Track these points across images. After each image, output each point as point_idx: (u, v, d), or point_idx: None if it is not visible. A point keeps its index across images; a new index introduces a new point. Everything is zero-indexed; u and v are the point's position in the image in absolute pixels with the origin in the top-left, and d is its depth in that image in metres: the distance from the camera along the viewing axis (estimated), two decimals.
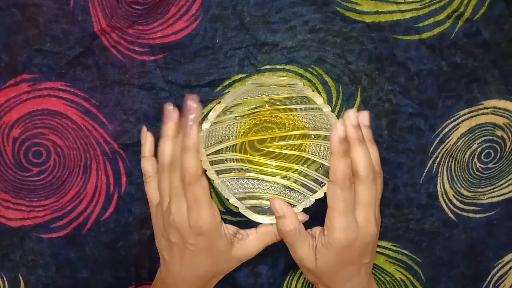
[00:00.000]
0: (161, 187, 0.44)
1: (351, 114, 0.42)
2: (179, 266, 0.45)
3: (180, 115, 0.43)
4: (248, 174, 0.48)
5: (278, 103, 0.47)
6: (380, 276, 0.54)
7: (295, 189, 0.48)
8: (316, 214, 0.47)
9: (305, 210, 0.46)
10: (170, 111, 0.44)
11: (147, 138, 0.46)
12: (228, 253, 0.46)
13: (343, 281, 0.46)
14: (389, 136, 0.49)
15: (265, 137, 0.48)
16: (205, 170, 0.47)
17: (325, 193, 0.47)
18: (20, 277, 0.51)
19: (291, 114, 0.47)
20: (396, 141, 0.49)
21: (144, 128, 0.47)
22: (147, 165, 0.46)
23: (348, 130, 0.41)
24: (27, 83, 0.46)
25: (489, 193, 0.52)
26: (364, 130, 0.44)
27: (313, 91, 0.46)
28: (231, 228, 0.46)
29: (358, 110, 0.45)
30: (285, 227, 0.44)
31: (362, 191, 0.43)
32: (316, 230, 0.46)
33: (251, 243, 0.46)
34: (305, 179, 0.48)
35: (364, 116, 0.45)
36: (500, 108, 0.49)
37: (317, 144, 0.48)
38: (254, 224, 0.48)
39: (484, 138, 0.50)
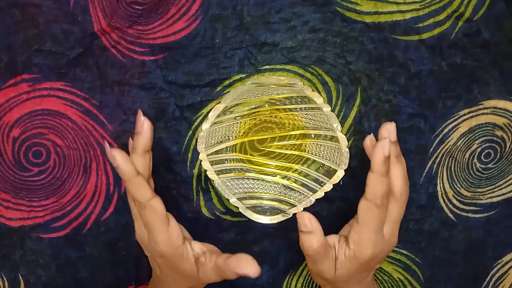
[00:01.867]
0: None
1: (390, 129, 0.41)
2: (160, 274, 0.45)
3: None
4: (248, 174, 0.48)
5: (278, 103, 0.47)
6: (378, 276, 0.54)
7: (295, 189, 0.48)
8: (317, 214, 0.47)
9: (305, 210, 0.46)
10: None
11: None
12: (195, 275, 0.43)
13: (354, 284, 0.46)
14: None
15: (265, 137, 0.48)
16: (206, 170, 0.47)
17: (325, 193, 0.47)
18: (20, 277, 0.51)
19: (291, 114, 0.47)
20: None
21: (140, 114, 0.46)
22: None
23: (389, 144, 0.40)
24: (27, 83, 0.46)
25: (489, 193, 0.52)
26: (396, 145, 0.43)
27: (313, 91, 0.46)
28: (197, 249, 0.44)
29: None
30: (312, 244, 0.42)
31: (394, 209, 0.42)
32: (334, 239, 0.44)
33: (206, 272, 0.43)
34: (305, 179, 0.48)
35: (394, 130, 0.43)
36: (500, 108, 0.49)
37: (317, 144, 0.48)
38: (254, 224, 0.49)
39: (484, 138, 0.50)
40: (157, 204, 0.41)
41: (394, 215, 0.43)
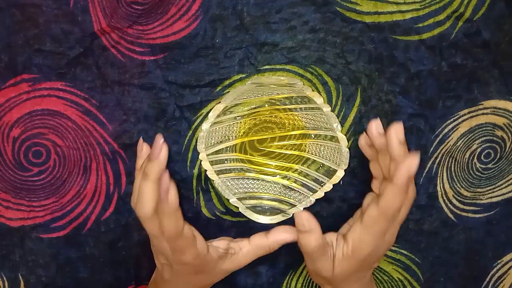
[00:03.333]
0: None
1: (400, 131, 0.39)
2: (169, 278, 0.45)
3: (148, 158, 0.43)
4: (248, 174, 0.48)
5: (278, 103, 0.47)
6: (378, 275, 0.54)
7: (295, 189, 0.48)
8: (317, 214, 0.47)
9: (305, 210, 0.46)
10: (140, 147, 0.45)
11: (143, 151, 0.46)
12: (218, 269, 0.45)
13: (351, 283, 0.46)
14: None
15: (265, 137, 0.48)
16: (206, 170, 0.47)
17: (325, 193, 0.47)
18: (20, 277, 0.51)
19: (291, 114, 0.47)
20: None
21: (141, 140, 0.47)
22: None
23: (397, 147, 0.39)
24: (27, 83, 0.46)
25: (489, 193, 0.52)
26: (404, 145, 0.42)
27: (313, 91, 0.46)
28: (222, 245, 0.45)
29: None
30: (310, 243, 0.42)
31: (401, 212, 0.42)
32: (332, 238, 0.45)
33: (243, 256, 0.46)
34: (305, 179, 0.48)
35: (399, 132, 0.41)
36: (500, 108, 0.49)
37: (317, 144, 0.48)
38: (254, 224, 0.49)
39: (484, 138, 0.50)
40: (188, 230, 0.42)
41: (400, 218, 0.43)
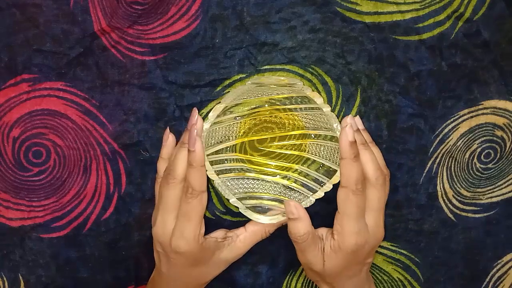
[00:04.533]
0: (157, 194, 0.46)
1: (349, 120, 0.43)
2: (167, 271, 0.45)
3: (185, 129, 0.45)
4: (248, 174, 0.48)
5: (278, 103, 0.47)
6: (377, 275, 0.54)
7: (295, 189, 0.48)
8: (317, 214, 0.47)
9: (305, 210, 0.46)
10: (166, 136, 0.46)
11: (168, 140, 0.47)
12: (216, 260, 0.46)
13: (345, 280, 0.46)
14: (389, 136, 0.49)
15: (265, 137, 0.48)
16: (206, 171, 0.47)
17: (325, 193, 0.47)
18: (20, 277, 0.51)
19: (291, 114, 0.47)
20: (396, 142, 0.49)
21: (167, 130, 0.47)
22: (161, 166, 0.47)
23: (352, 129, 0.42)
24: (27, 83, 0.46)
25: (489, 193, 0.52)
26: (363, 133, 0.45)
27: (313, 91, 0.46)
28: (219, 235, 0.46)
29: (354, 115, 0.47)
30: (298, 230, 0.43)
31: (372, 195, 0.43)
32: (323, 231, 0.46)
33: (241, 243, 0.47)
34: (305, 179, 0.48)
35: (358, 121, 0.46)
36: (500, 108, 0.49)
37: (317, 144, 0.48)
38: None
39: (484, 138, 0.50)
40: (205, 198, 0.43)
41: (374, 203, 0.43)
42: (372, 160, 0.43)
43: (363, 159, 0.43)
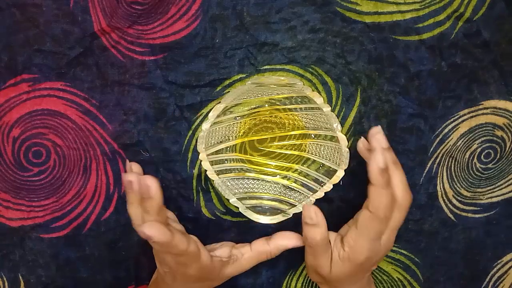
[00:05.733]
0: None
1: (380, 140, 0.40)
2: (171, 283, 0.45)
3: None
4: (248, 174, 0.48)
5: (278, 103, 0.47)
6: (377, 275, 0.54)
7: (295, 189, 0.48)
8: None
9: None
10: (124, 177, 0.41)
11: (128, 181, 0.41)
12: (220, 275, 0.46)
13: (348, 285, 0.46)
14: (389, 136, 0.49)
15: (265, 137, 0.48)
16: (206, 171, 0.47)
17: (325, 193, 0.47)
18: (20, 277, 0.51)
19: (291, 114, 0.47)
20: (396, 142, 0.49)
21: (127, 163, 0.45)
22: (133, 211, 0.42)
23: (383, 156, 0.39)
24: (27, 83, 0.46)
25: (489, 193, 0.52)
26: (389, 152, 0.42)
27: (313, 91, 0.46)
28: (224, 253, 0.46)
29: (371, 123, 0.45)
30: (315, 236, 0.42)
31: (395, 216, 0.42)
32: (331, 237, 0.45)
33: (245, 261, 0.46)
34: (305, 179, 0.48)
35: (383, 137, 0.42)
36: (500, 108, 0.49)
37: (317, 144, 0.48)
38: (254, 224, 0.49)
39: (484, 138, 0.50)
40: (194, 247, 0.42)
41: (395, 223, 0.42)
42: (402, 182, 0.41)
43: (394, 181, 0.41)
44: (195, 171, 0.49)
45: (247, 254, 0.46)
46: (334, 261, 0.44)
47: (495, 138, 0.50)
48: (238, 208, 0.48)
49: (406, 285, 0.54)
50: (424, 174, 0.50)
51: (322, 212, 0.43)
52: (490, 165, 0.51)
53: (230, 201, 0.47)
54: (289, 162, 0.48)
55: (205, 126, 0.46)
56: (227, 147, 0.48)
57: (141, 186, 0.39)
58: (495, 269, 0.54)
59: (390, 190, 0.40)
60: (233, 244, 0.48)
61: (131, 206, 0.41)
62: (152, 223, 0.39)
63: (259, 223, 0.48)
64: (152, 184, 0.39)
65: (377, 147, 0.40)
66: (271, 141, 0.48)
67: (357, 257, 0.43)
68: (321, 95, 0.47)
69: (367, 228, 0.41)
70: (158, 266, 0.46)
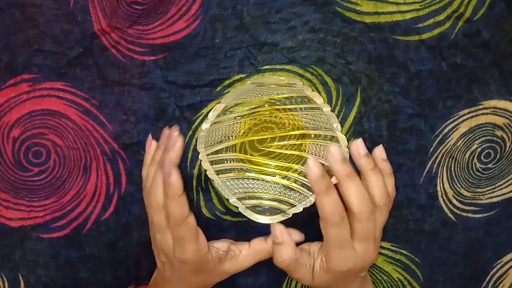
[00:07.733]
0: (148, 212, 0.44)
1: (312, 161, 0.39)
2: (170, 276, 0.45)
3: (160, 149, 0.44)
4: (248, 174, 0.48)
5: (278, 103, 0.47)
6: (377, 275, 0.54)
7: (295, 189, 0.48)
8: (316, 214, 0.47)
9: (305, 210, 0.46)
10: (149, 143, 0.46)
11: (151, 147, 0.46)
12: (218, 270, 0.46)
13: None
14: (389, 137, 0.49)
15: (265, 137, 0.48)
16: (205, 170, 0.47)
17: None
18: (20, 277, 0.51)
19: (291, 114, 0.47)
20: (396, 142, 0.49)
21: (150, 136, 0.47)
22: (146, 174, 0.46)
23: (335, 165, 0.39)
24: (27, 83, 0.46)
25: (489, 193, 0.52)
26: (383, 164, 0.42)
27: (313, 91, 0.46)
28: (222, 247, 0.45)
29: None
30: (281, 256, 0.43)
31: (357, 226, 0.41)
32: (315, 248, 0.45)
33: (243, 259, 0.46)
34: (305, 179, 0.48)
35: (381, 151, 0.42)
36: (500, 108, 0.49)
37: (317, 144, 0.48)
38: (254, 224, 0.48)
39: (484, 138, 0.50)
40: (193, 220, 0.42)
41: (361, 232, 0.41)
42: (356, 193, 0.40)
43: (347, 192, 0.40)
44: (195, 171, 0.49)
45: (245, 252, 0.46)
46: (316, 271, 0.44)
47: (495, 138, 0.50)
48: (238, 208, 0.48)
49: (406, 285, 0.54)
50: (424, 174, 0.50)
51: (288, 232, 0.43)
52: (490, 165, 0.51)
53: (230, 201, 0.47)
54: (289, 162, 0.48)
55: (205, 126, 0.46)
56: (227, 147, 0.48)
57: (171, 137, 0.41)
58: (495, 269, 0.54)
59: (333, 197, 0.40)
60: (232, 241, 0.48)
61: (145, 168, 0.46)
62: (177, 170, 0.40)
63: (259, 223, 0.48)
64: (178, 137, 0.40)
65: (311, 160, 0.39)
66: (271, 141, 0.48)
67: (334, 267, 0.42)
68: (321, 95, 0.47)
69: (326, 236, 0.41)
70: (157, 259, 0.46)
